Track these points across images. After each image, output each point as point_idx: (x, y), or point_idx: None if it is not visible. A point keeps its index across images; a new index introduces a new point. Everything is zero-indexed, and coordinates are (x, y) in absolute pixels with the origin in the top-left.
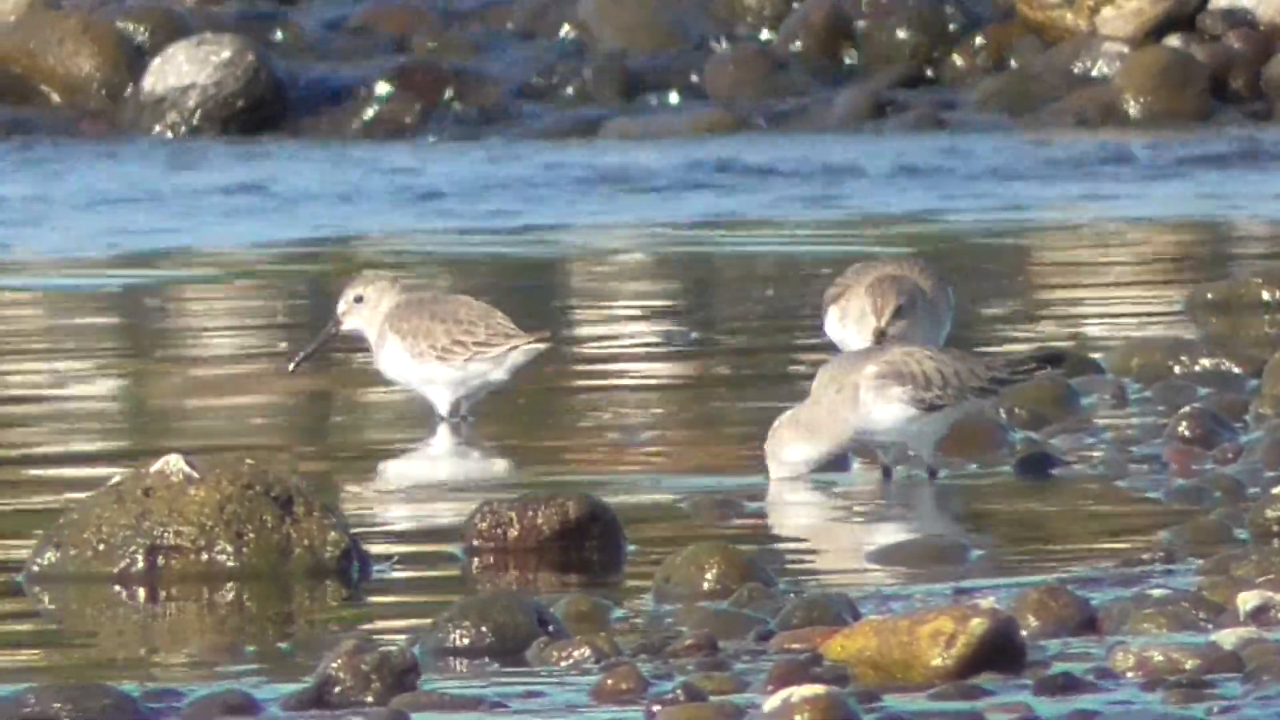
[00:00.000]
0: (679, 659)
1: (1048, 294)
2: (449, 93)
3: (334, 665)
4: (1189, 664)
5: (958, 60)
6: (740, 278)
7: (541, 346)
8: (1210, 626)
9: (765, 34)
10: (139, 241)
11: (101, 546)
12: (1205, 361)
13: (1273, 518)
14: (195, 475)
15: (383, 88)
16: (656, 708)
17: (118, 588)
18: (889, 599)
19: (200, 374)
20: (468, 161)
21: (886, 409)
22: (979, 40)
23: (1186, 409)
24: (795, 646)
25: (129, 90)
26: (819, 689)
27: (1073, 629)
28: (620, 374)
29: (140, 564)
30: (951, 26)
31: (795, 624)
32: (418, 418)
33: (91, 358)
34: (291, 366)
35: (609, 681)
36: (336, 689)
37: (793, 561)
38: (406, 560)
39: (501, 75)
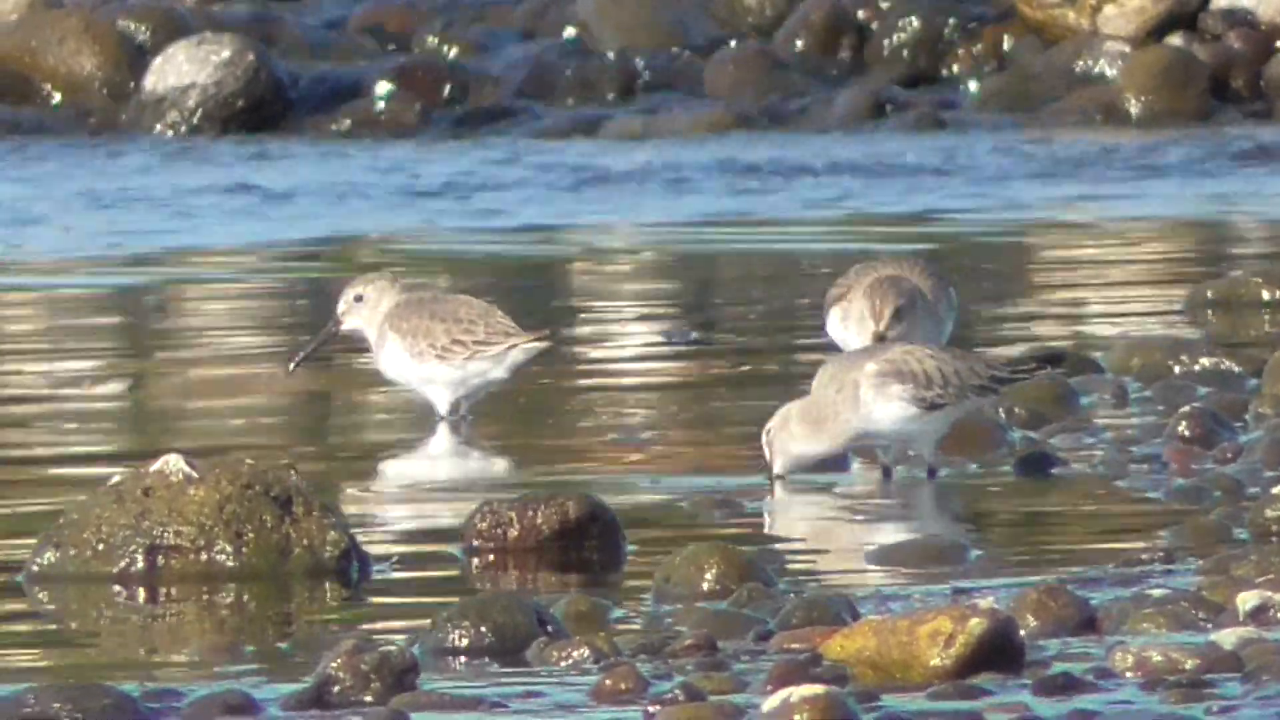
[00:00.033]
0: (678, 659)
1: (1048, 293)
2: (449, 92)
3: (334, 665)
4: (1188, 664)
5: (958, 60)
6: (741, 277)
7: (541, 345)
8: (1210, 626)
9: (766, 34)
10: (139, 241)
11: (101, 546)
12: (1205, 361)
13: (1272, 517)
14: (195, 475)
15: (383, 87)
16: (656, 708)
17: (117, 588)
18: (888, 599)
19: (200, 374)
20: (468, 161)
21: (887, 407)
22: (979, 40)
23: (1186, 408)
24: (795, 646)
25: (130, 90)
26: (818, 689)
27: (1072, 629)
28: (620, 374)
29: (140, 564)
30: (952, 26)
31: (795, 624)
32: (417, 417)
33: (91, 358)
34: (291, 366)
35: (608, 682)
36: (336, 689)
37: (792, 561)
38: (406, 560)
39: (502, 74)
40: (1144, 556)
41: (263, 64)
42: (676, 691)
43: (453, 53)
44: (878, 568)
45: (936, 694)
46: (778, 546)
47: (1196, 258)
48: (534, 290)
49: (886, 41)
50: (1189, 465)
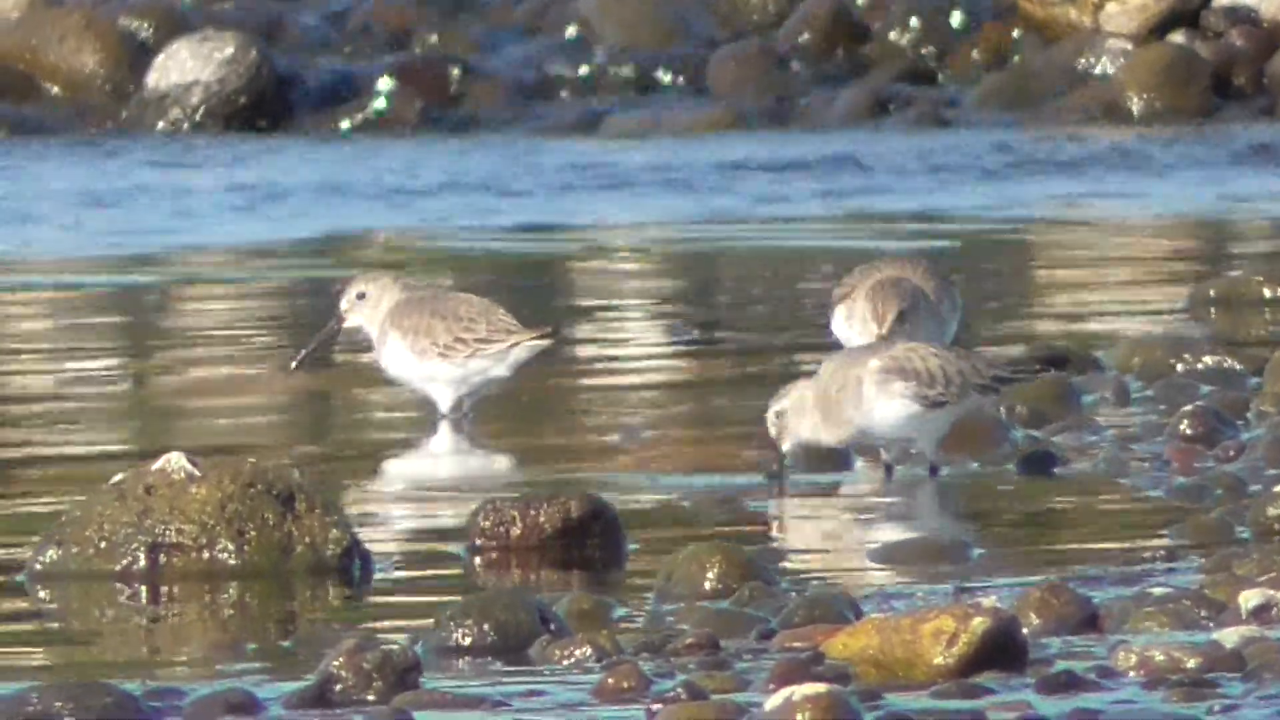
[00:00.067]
0: (680, 658)
1: (1049, 291)
2: (451, 90)
3: (336, 664)
4: (1190, 662)
5: (959, 57)
6: (742, 276)
7: (543, 343)
8: (1212, 625)
9: (767, 32)
10: (139, 241)
11: (103, 544)
12: (1207, 359)
13: (1274, 516)
14: (196, 473)
15: (385, 84)
16: (658, 706)
17: (119, 586)
18: (891, 597)
19: (200, 374)
20: (470, 159)
21: (889, 404)
22: (981, 37)
23: (1188, 407)
24: (797, 645)
25: (132, 87)
26: (820, 688)
27: (1074, 627)
28: (622, 372)
29: (142, 562)
30: (953, 23)
31: (797, 622)
32: (420, 416)
33: (92, 358)
34: (293, 364)
35: (611, 680)
36: (338, 687)
37: (794, 560)
38: (408, 558)
39: (504, 72)
40: (1146, 555)
41: (265, 61)
42: (679, 690)
43: (455, 50)
44: (880, 566)
45: (939, 692)
46: (779, 545)
47: (1198, 256)
48: (535, 289)
49: (888, 39)
50: (1191, 463)
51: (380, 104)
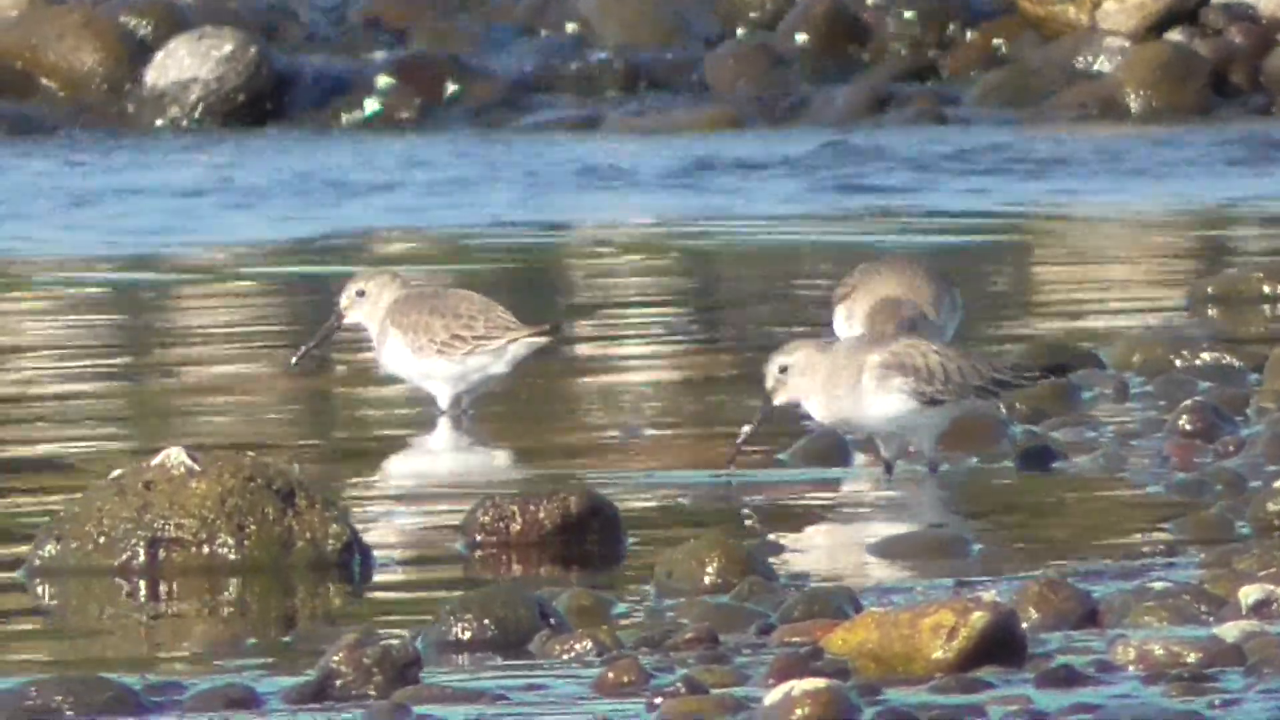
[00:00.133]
0: (680, 652)
1: (1048, 288)
2: (450, 87)
3: (336, 658)
4: (1190, 657)
5: (958, 55)
6: (742, 273)
7: (542, 340)
8: (1212, 620)
9: (767, 29)
10: (139, 240)
11: (102, 539)
12: (1206, 355)
13: (1274, 511)
14: (196, 468)
15: (384, 81)
16: (658, 700)
17: (119, 581)
18: (890, 592)
19: (200, 373)
20: (468, 156)
21: (886, 398)
22: (980, 35)
23: (1188, 403)
24: (796, 640)
25: (130, 85)
26: (820, 682)
27: (1074, 622)
28: (621, 369)
29: (141, 557)
30: (952, 21)
31: (796, 617)
32: (419, 413)
33: (91, 357)
34: (293, 361)
35: (610, 674)
36: (338, 682)
37: (793, 555)
38: (408, 554)
39: (503, 69)
40: (1146, 550)
41: (264, 58)
42: (678, 684)
43: (454, 47)
44: (879, 561)
45: (938, 687)
46: (779, 540)
47: (1197, 252)
48: (534, 286)
49: (887, 37)
50: (1190, 459)
51: (379, 102)
